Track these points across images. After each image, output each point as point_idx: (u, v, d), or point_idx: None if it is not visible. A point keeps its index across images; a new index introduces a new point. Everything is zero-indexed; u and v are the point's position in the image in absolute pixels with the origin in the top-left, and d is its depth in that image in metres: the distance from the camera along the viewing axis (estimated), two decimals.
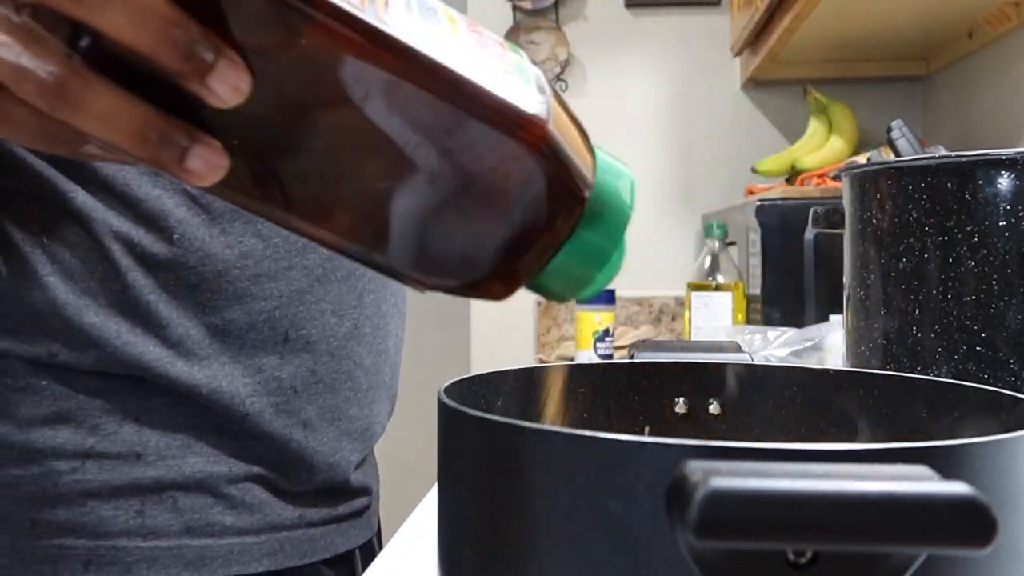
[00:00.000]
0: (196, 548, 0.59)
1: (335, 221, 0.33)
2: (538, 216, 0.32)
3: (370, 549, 0.74)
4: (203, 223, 0.60)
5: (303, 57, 0.30)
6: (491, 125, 0.31)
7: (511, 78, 0.31)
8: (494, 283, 0.34)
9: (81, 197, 0.59)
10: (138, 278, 0.59)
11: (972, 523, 0.23)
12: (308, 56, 0.29)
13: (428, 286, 0.35)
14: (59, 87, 0.30)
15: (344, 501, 0.69)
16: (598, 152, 0.35)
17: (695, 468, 0.25)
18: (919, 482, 0.24)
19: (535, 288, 0.36)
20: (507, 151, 0.31)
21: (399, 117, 0.30)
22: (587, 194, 0.33)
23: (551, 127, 0.31)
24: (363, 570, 0.71)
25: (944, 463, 0.27)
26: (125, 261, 0.59)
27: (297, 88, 0.30)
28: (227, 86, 0.30)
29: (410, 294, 0.93)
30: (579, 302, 0.33)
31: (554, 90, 0.34)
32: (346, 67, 0.29)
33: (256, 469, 0.62)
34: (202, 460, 0.60)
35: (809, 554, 0.25)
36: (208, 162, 0.31)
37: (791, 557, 0.25)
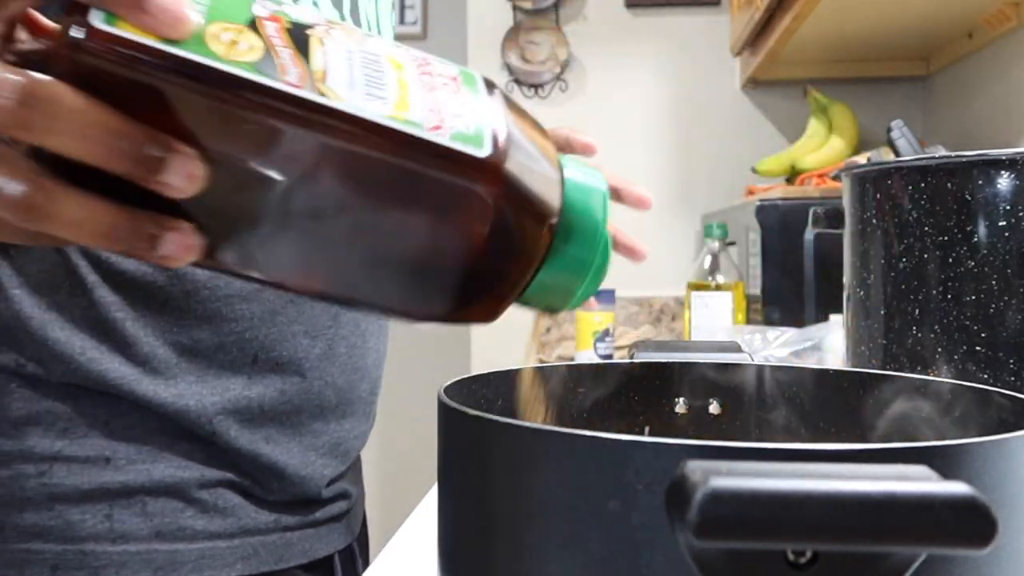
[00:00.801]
0: (166, 552, 0.59)
1: (314, 278, 0.34)
2: (511, 244, 0.33)
3: (350, 553, 0.73)
4: None
5: (251, 139, 0.30)
6: (446, 174, 0.31)
7: (461, 120, 0.32)
8: (480, 309, 0.35)
9: None
10: (105, 294, 0.59)
11: (972, 523, 0.23)
12: (256, 138, 0.30)
13: (416, 320, 0.35)
14: (28, 203, 0.31)
15: (322, 507, 0.68)
16: (566, 168, 0.35)
17: (695, 468, 0.25)
18: (919, 482, 0.24)
19: (524, 305, 0.36)
20: (466, 196, 0.31)
21: (355, 179, 0.31)
22: (553, 220, 0.34)
23: (507, 165, 0.32)
24: (342, 575, 0.70)
25: (944, 463, 0.27)
26: (92, 277, 0.58)
27: (255, 165, 0.31)
28: (182, 179, 0.30)
29: None
30: (571, 310, 0.33)
31: (517, 107, 0.34)
32: (296, 141, 0.30)
33: (229, 475, 0.62)
34: (172, 466, 0.60)
35: (809, 554, 0.25)
36: (180, 246, 0.32)
37: (791, 557, 0.25)
